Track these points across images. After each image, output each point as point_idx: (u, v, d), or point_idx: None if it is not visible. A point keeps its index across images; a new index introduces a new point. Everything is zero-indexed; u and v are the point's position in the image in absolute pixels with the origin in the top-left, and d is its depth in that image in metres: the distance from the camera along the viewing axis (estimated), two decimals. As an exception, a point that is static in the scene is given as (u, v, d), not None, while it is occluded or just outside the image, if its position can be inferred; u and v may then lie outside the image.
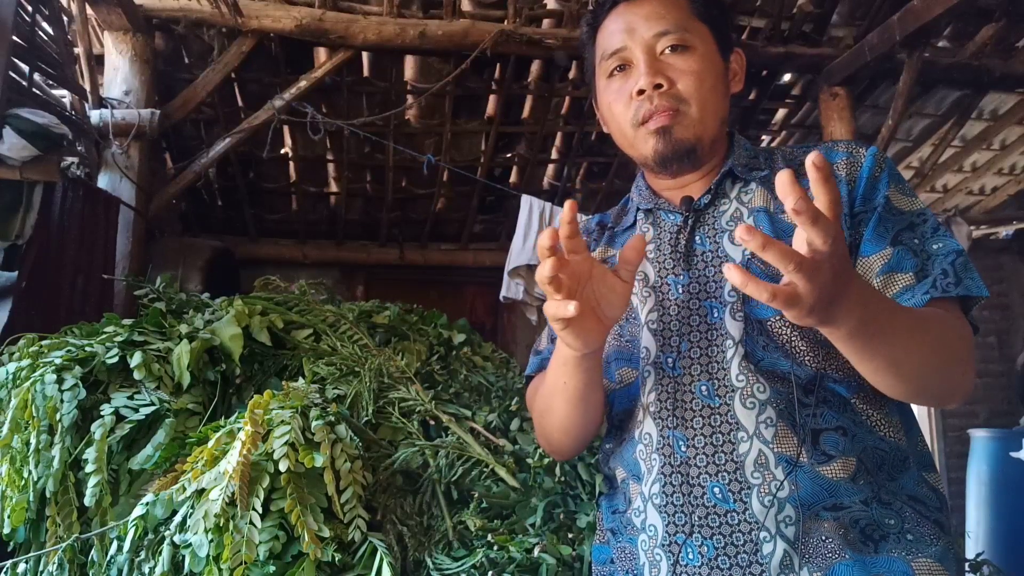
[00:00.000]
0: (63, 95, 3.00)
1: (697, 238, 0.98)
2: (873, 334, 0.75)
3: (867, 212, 0.91)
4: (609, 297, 0.85)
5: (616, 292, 0.85)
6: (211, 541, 1.06)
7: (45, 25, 2.74)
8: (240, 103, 3.67)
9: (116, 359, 1.45)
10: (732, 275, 0.64)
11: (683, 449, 0.89)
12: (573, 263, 0.83)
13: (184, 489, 1.13)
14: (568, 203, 0.80)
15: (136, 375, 1.44)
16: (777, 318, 0.89)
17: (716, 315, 0.92)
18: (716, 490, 0.86)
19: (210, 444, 1.18)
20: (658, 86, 0.94)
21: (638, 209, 1.06)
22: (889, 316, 0.77)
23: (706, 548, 0.85)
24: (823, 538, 0.82)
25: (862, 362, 0.79)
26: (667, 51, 0.95)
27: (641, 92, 0.95)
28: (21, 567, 1.27)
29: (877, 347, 0.76)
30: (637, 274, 1.01)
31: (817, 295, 0.66)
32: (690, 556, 0.86)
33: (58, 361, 1.40)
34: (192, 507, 1.11)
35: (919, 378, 0.81)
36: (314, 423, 1.21)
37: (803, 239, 0.66)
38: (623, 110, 0.98)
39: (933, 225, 0.91)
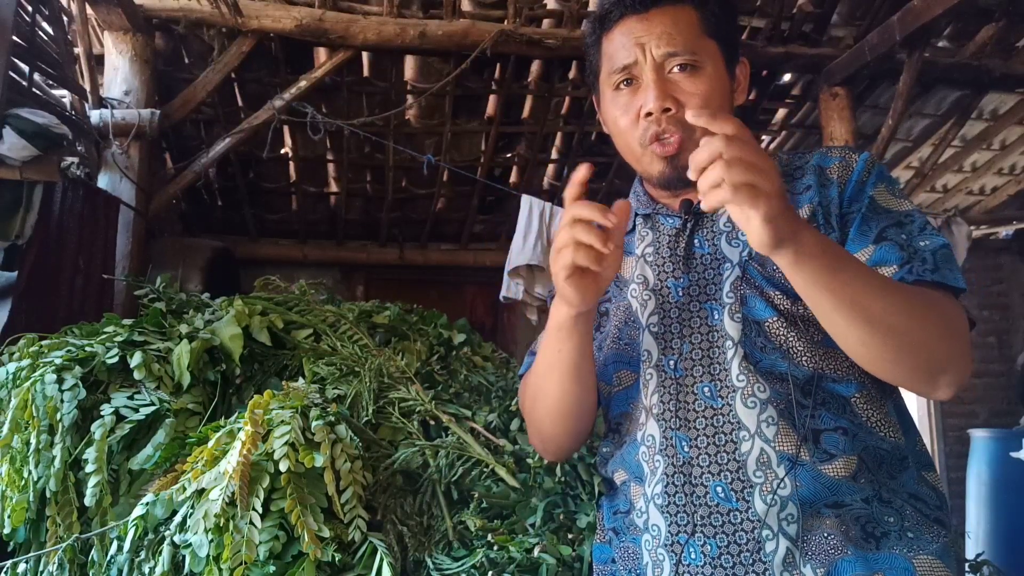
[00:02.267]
0: (63, 95, 3.00)
1: (696, 241, 0.98)
2: (836, 266, 0.78)
3: (853, 213, 0.92)
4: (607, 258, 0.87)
5: (615, 258, 0.87)
6: (211, 541, 1.06)
7: (45, 25, 2.74)
8: (240, 103, 3.67)
9: (116, 359, 1.45)
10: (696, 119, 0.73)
11: (686, 449, 0.89)
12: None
13: (184, 489, 1.13)
14: (584, 166, 0.85)
15: (136, 375, 1.44)
16: (774, 319, 0.90)
17: (716, 317, 0.93)
18: (719, 489, 0.87)
19: (210, 444, 1.18)
20: (666, 110, 0.94)
21: (636, 214, 1.07)
22: (850, 256, 0.81)
23: (709, 547, 0.85)
24: (825, 535, 0.83)
25: (832, 300, 0.79)
26: (675, 70, 0.95)
27: (649, 114, 0.95)
28: (21, 567, 1.27)
29: (844, 281, 0.78)
30: (636, 277, 1.01)
31: (776, 191, 0.72)
32: (692, 556, 0.86)
33: (58, 361, 1.40)
34: (192, 507, 1.11)
35: (899, 331, 0.80)
36: (314, 423, 1.21)
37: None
38: (630, 127, 0.98)
39: (920, 224, 0.91)
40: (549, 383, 1.00)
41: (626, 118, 0.98)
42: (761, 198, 0.71)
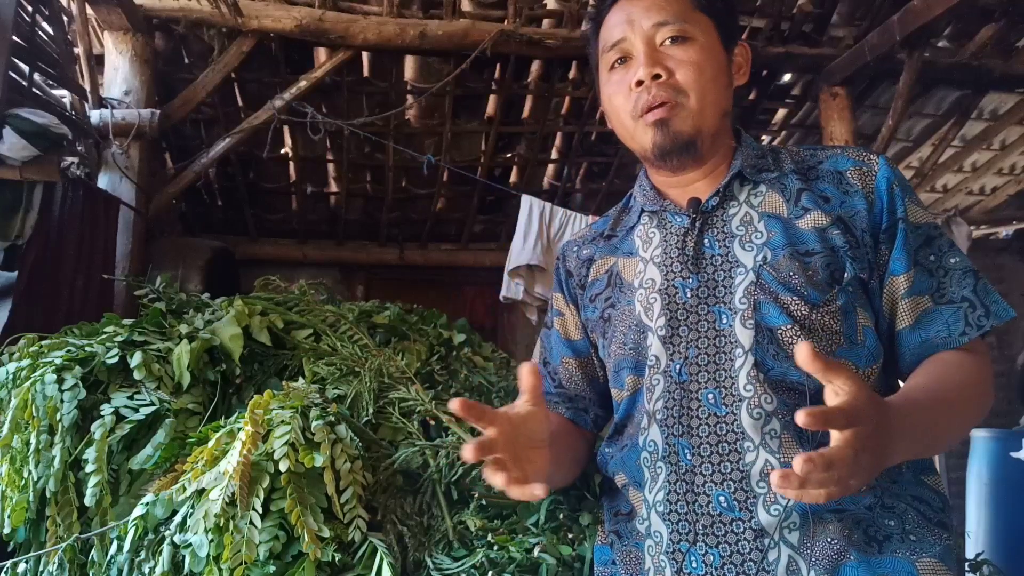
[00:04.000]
0: (63, 95, 3.00)
1: (706, 241, 0.96)
2: (921, 448, 0.82)
3: (892, 229, 0.92)
4: (533, 428, 0.81)
5: (537, 419, 0.81)
6: (211, 541, 1.06)
7: (45, 25, 2.74)
8: (240, 103, 3.67)
9: (116, 359, 1.45)
10: (782, 485, 0.62)
11: (688, 457, 0.88)
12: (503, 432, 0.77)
13: (184, 489, 1.13)
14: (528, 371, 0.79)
15: (136, 375, 1.43)
16: (788, 327, 0.88)
17: (725, 321, 0.91)
18: (722, 499, 0.85)
19: (210, 444, 1.18)
20: (656, 76, 0.93)
21: (643, 210, 1.05)
22: (926, 425, 0.80)
23: (711, 556, 0.85)
24: (828, 540, 0.82)
25: (912, 454, 0.84)
26: (667, 42, 0.95)
27: (640, 83, 0.94)
28: (21, 567, 1.27)
29: (923, 450, 0.84)
30: (645, 282, 0.99)
31: (866, 468, 0.66)
32: (693, 564, 0.85)
33: (58, 361, 1.39)
34: (192, 507, 1.10)
35: (957, 437, 0.88)
36: (314, 423, 1.20)
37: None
38: (623, 102, 0.97)
39: (948, 241, 0.93)
40: None
41: (620, 94, 0.98)
42: (855, 486, 0.66)
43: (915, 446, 0.79)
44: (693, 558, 0.85)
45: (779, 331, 0.88)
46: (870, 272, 0.91)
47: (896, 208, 0.92)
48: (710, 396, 0.89)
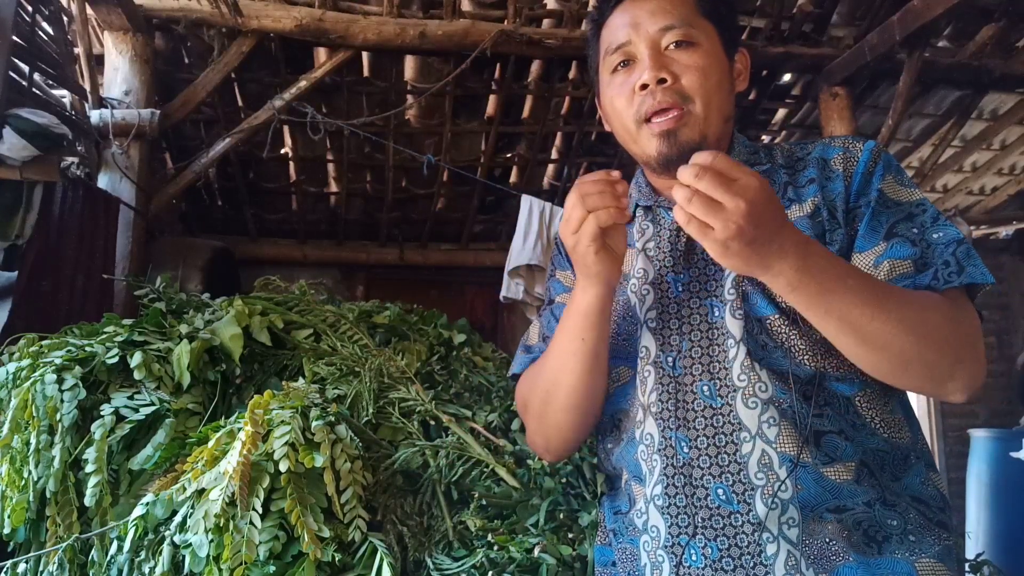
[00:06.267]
0: (63, 95, 3.00)
1: None
2: (821, 289, 0.77)
3: (861, 208, 0.91)
4: (612, 233, 0.87)
5: (618, 227, 0.88)
6: (211, 541, 1.06)
7: (45, 25, 2.74)
8: (240, 103, 3.67)
9: (116, 359, 1.45)
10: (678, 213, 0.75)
11: (685, 450, 0.89)
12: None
13: (184, 489, 1.13)
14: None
15: (136, 375, 1.43)
16: (776, 316, 0.89)
17: (717, 314, 0.92)
18: (720, 491, 0.86)
19: (210, 444, 1.18)
20: (662, 81, 0.92)
21: (637, 206, 1.06)
22: (841, 274, 0.79)
23: (710, 550, 0.85)
24: (827, 540, 0.82)
25: (818, 320, 0.80)
26: (672, 46, 0.94)
27: (645, 87, 0.93)
28: (21, 567, 1.27)
29: (830, 303, 0.78)
30: (636, 272, 1.00)
31: (730, 233, 0.72)
32: (693, 557, 0.86)
33: (58, 361, 1.39)
34: (192, 507, 1.10)
35: (892, 349, 0.79)
36: (314, 423, 1.20)
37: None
38: (626, 105, 0.96)
39: (933, 215, 0.90)
40: (567, 375, 0.96)
41: (622, 97, 0.97)
42: (708, 239, 0.74)
43: (809, 285, 0.77)
44: (692, 551, 0.86)
45: (768, 320, 0.89)
46: (848, 255, 0.91)
47: (871, 186, 0.91)
48: (705, 388, 0.90)
